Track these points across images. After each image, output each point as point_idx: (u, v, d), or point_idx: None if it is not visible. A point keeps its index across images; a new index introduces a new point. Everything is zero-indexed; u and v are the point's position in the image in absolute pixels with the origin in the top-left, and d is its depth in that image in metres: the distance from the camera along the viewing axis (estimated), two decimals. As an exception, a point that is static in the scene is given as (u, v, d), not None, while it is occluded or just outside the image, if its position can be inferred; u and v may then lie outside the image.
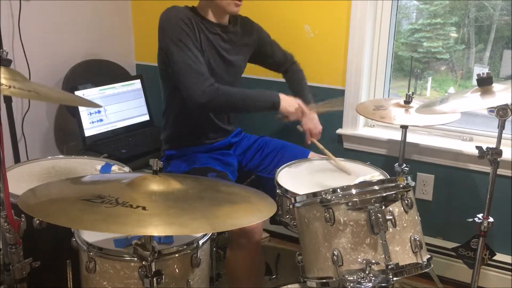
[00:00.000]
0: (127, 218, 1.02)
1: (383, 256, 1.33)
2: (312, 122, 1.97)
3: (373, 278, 1.31)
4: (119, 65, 2.80)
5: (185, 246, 1.42)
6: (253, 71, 2.31)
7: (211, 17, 1.91)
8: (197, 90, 1.75)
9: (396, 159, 2.12)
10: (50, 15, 2.46)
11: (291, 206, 1.52)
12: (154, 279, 1.16)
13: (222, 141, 2.07)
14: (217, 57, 1.93)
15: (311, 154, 2.05)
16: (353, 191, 1.36)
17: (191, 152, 2.00)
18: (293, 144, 2.12)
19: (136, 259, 1.20)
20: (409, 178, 1.41)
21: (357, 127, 2.47)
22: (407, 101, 2.03)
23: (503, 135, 1.69)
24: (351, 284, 1.31)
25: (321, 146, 1.97)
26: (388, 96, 2.50)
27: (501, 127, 1.68)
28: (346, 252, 1.35)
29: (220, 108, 1.91)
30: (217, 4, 1.89)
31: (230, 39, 1.99)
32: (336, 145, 2.51)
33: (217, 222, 1.09)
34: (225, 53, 1.96)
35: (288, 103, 1.86)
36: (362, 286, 1.30)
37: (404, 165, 2.09)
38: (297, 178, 1.81)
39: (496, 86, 1.61)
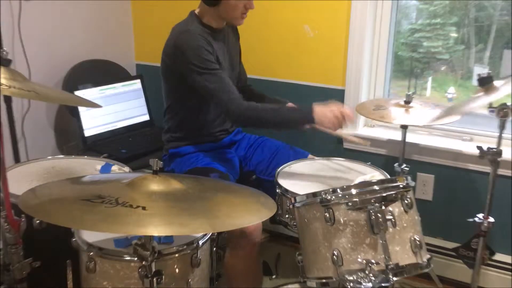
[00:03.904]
0: (127, 218, 1.02)
1: (383, 256, 1.33)
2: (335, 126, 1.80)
3: (373, 278, 1.31)
4: (119, 65, 2.81)
5: (185, 246, 1.42)
6: (255, 72, 2.31)
7: (212, 23, 1.91)
8: (232, 115, 1.81)
9: (396, 159, 2.12)
10: (50, 15, 2.46)
11: (291, 206, 1.52)
12: (154, 279, 1.16)
13: (224, 139, 2.07)
14: (224, 64, 1.94)
15: (310, 156, 2.05)
16: (353, 191, 1.36)
17: (194, 151, 2.00)
18: (293, 145, 2.12)
19: (136, 259, 1.20)
20: (409, 178, 1.41)
21: (357, 127, 2.47)
22: (407, 101, 2.03)
23: (503, 135, 1.69)
24: (351, 284, 1.31)
25: (352, 138, 1.86)
26: (388, 96, 2.50)
27: (501, 127, 1.68)
28: (346, 252, 1.35)
29: (251, 125, 1.96)
30: (225, 16, 1.88)
31: (229, 41, 2.00)
32: (336, 145, 2.51)
33: (217, 222, 1.09)
34: (228, 56, 1.98)
35: (322, 119, 1.72)
36: (362, 286, 1.30)
37: (404, 165, 2.09)
38: (297, 178, 1.81)
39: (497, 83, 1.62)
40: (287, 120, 1.81)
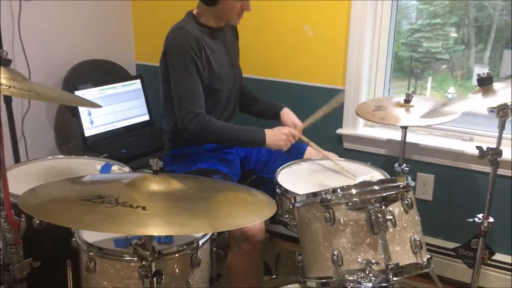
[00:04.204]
0: (127, 218, 1.02)
1: (383, 256, 1.33)
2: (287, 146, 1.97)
3: (373, 278, 1.31)
4: (119, 65, 2.80)
5: (185, 246, 1.42)
6: (255, 72, 2.31)
7: (211, 22, 1.92)
8: (186, 124, 1.83)
9: (396, 159, 2.12)
10: (50, 15, 2.46)
11: (291, 206, 1.52)
12: (154, 279, 1.16)
13: None
14: (222, 62, 1.94)
15: (308, 149, 2.05)
16: (353, 191, 1.36)
17: (195, 152, 2.00)
18: None
19: (136, 259, 1.20)
20: (409, 178, 1.41)
21: (357, 127, 2.47)
22: (407, 100, 2.03)
23: (503, 135, 1.69)
24: (351, 284, 1.31)
25: (306, 139, 1.99)
26: (388, 96, 2.49)
27: (501, 127, 1.68)
28: (346, 252, 1.35)
29: (205, 141, 1.98)
30: (222, 16, 1.90)
31: (228, 41, 2.00)
32: (336, 145, 2.51)
33: (217, 222, 1.09)
34: (227, 56, 1.98)
35: (275, 137, 1.87)
36: (362, 286, 1.30)
37: (404, 165, 2.09)
38: (297, 178, 1.81)
39: (497, 86, 1.61)
40: (239, 143, 1.99)
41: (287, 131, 1.89)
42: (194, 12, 1.93)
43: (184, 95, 1.84)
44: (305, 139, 2.00)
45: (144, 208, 1.06)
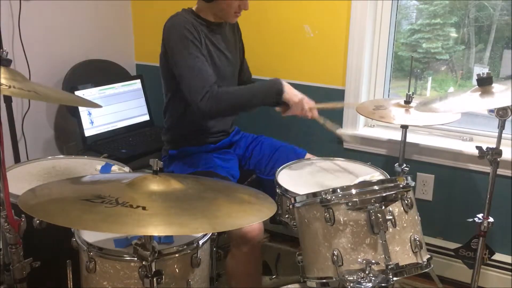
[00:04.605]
0: (127, 218, 1.02)
1: (383, 256, 1.33)
2: (298, 110, 1.85)
3: (373, 278, 1.31)
4: (119, 65, 2.81)
5: (185, 246, 1.42)
6: (256, 72, 2.31)
7: (209, 17, 1.92)
8: (200, 100, 1.74)
9: (396, 159, 2.12)
10: (50, 15, 2.46)
11: (291, 206, 1.52)
12: (154, 279, 1.16)
13: (224, 140, 2.07)
14: (221, 56, 1.94)
15: (308, 155, 2.05)
16: (353, 191, 1.36)
17: (194, 152, 2.00)
18: (290, 145, 2.12)
19: (136, 259, 1.20)
20: (409, 178, 1.41)
21: (357, 127, 2.47)
22: (407, 101, 2.03)
23: (503, 135, 1.69)
24: (351, 284, 1.31)
25: (322, 120, 1.92)
26: (388, 96, 2.50)
27: (501, 127, 1.68)
28: (346, 252, 1.35)
29: (224, 113, 1.91)
30: (219, 14, 1.90)
31: (227, 37, 2.00)
32: (336, 145, 2.51)
33: (217, 222, 1.09)
34: (227, 51, 1.98)
35: (292, 92, 1.81)
36: (362, 286, 1.30)
37: (404, 165, 2.09)
38: (297, 178, 1.81)
39: (496, 87, 1.61)
40: (257, 100, 1.83)
41: (305, 97, 1.82)
42: (194, 8, 1.93)
43: (188, 76, 1.78)
44: (321, 120, 1.92)
45: (144, 208, 1.06)
